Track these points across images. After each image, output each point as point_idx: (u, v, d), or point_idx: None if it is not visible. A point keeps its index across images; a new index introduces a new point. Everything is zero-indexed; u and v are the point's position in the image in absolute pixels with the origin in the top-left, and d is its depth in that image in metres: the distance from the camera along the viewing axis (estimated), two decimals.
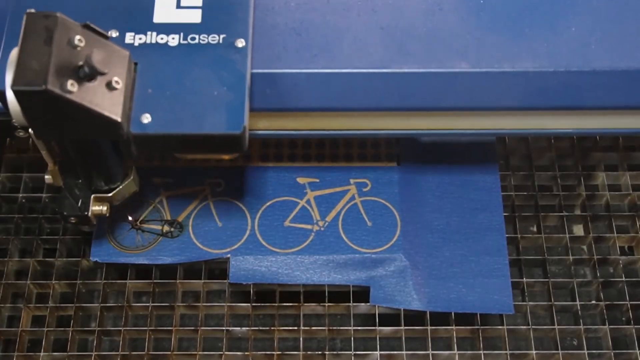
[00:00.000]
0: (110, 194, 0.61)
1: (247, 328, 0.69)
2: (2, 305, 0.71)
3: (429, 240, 0.71)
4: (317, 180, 0.74)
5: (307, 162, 0.75)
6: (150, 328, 0.70)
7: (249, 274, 0.69)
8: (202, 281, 0.72)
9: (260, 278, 0.69)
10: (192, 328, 0.70)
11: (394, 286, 0.69)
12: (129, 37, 0.54)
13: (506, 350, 0.69)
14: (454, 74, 0.55)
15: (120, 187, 0.61)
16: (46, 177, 0.60)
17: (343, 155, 0.75)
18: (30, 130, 0.51)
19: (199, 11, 0.55)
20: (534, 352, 0.68)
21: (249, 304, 0.70)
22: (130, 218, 0.70)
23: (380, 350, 0.68)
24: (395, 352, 0.68)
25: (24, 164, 0.79)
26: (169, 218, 0.72)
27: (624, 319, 0.71)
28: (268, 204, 0.72)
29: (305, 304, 0.70)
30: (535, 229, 0.76)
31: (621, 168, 0.79)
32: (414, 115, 0.60)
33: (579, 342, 0.70)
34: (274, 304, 0.70)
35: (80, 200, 0.60)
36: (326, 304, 0.70)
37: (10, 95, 0.48)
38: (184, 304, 0.71)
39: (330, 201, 0.73)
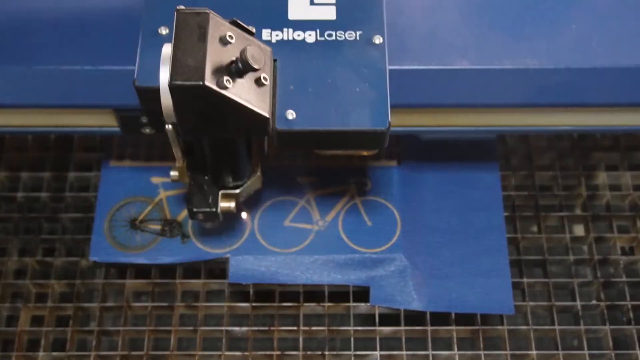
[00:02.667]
0: (237, 191, 0.61)
1: (247, 328, 0.69)
2: (1, 304, 0.71)
3: (429, 240, 0.71)
4: (317, 180, 0.73)
5: (307, 162, 0.75)
6: (149, 328, 0.69)
7: (248, 273, 0.69)
8: (202, 281, 0.71)
9: (260, 278, 0.69)
10: (192, 328, 0.69)
11: (394, 286, 0.69)
12: (265, 34, 0.54)
13: (506, 350, 0.68)
14: (454, 71, 0.55)
15: (248, 183, 0.61)
16: (172, 173, 0.60)
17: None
18: (167, 127, 0.52)
19: (333, 8, 0.55)
20: (535, 352, 0.68)
21: (248, 304, 0.70)
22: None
23: (380, 351, 0.68)
24: (395, 352, 0.68)
25: (23, 163, 0.78)
26: (168, 217, 0.72)
27: (624, 319, 0.71)
28: (268, 203, 0.72)
29: (305, 304, 0.70)
30: (535, 229, 0.76)
31: (622, 168, 0.78)
32: (414, 112, 0.60)
33: (580, 342, 0.70)
34: (273, 304, 0.70)
35: (210, 197, 0.60)
36: (326, 304, 0.70)
37: (164, 91, 0.47)
38: (184, 304, 0.71)
39: (330, 201, 0.72)
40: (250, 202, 0.72)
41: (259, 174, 0.62)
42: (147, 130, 0.59)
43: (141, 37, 0.54)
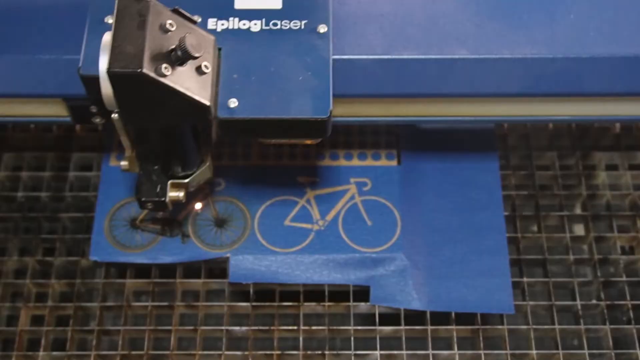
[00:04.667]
0: (186, 180, 0.61)
1: (247, 328, 0.69)
2: (1, 304, 0.71)
3: (429, 239, 0.71)
4: (317, 180, 0.73)
5: (307, 162, 0.75)
6: (149, 327, 0.69)
7: (248, 273, 0.69)
8: (202, 280, 0.71)
9: (260, 277, 0.69)
10: (192, 327, 0.69)
11: (394, 286, 0.69)
12: (211, 23, 0.55)
13: (507, 350, 0.68)
14: (453, 60, 0.55)
15: (197, 172, 0.61)
16: (122, 163, 0.60)
17: (343, 155, 0.75)
18: (113, 115, 0.52)
19: None
20: (535, 351, 0.68)
21: (248, 304, 0.70)
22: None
23: (380, 350, 0.68)
24: (395, 352, 0.68)
25: (23, 162, 0.78)
26: (168, 217, 0.72)
27: (624, 318, 0.71)
28: (268, 203, 0.72)
29: (305, 304, 0.70)
30: (535, 228, 0.76)
31: (622, 167, 0.78)
32: (413, 101, 0.60)
33: (580, 341, 0.70)
34: (273, 304, 0.70)
35: (158, 186, 0.60)
36: (326, 304, 0.70)
37: (103, 79, 0.48)
38: (184, 304, 0.71)
39: (330, 200, 0.72)
40: (250, 203, 0.72)
41: (208, 163, 0.62)
42: (98, 120, 0.59)
43: (87, 25, 0.54)
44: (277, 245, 0.70)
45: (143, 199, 0.60)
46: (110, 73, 0.46)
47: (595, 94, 0.59)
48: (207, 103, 0.48)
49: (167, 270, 0.72)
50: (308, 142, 0.56)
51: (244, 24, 0.55)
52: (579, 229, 0.77)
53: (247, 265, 0.69)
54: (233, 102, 0.51)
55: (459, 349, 0.68)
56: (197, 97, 0.48)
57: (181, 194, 0.61)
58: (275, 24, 0.55)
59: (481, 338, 0.68)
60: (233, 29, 0.54)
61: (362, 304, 0.70)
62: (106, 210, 0.72)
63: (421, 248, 0.71)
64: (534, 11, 0.58)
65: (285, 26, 0.55)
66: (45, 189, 0.77)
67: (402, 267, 0.69)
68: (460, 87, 0.57)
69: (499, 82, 0.57)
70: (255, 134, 0.53)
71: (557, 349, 0.69)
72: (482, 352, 0.68)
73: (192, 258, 0.70)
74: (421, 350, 0.68)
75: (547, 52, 0.56)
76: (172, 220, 0.71)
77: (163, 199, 0.60)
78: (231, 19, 0.55)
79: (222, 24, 0.55)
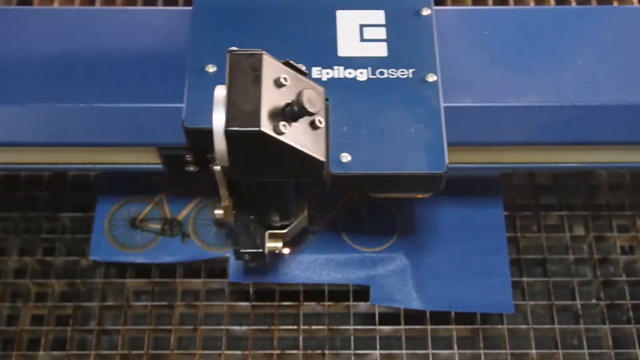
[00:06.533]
0: (284, 230, 0.60)
1: (247, 327, 0.69)
2: (1, 303, 0.71)
3: (429, 239, 0.71)
4: None
5: None
6: (149, 327, 0.69)
7: (248, 273, 0.69)
8: (202, 280, 0.71)
9: (260, 277, 0.69)
10: (192, 327, 0.70)
11: (393, 285, 0.69)
12: (315, 72, 0.52)
13: (506, 349, 0.68)
14: (458, 108, 0.54)
15: (295, 222, 0.60)
16: (216, 211, 0.59)
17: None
18: (216, 168, 0.50)
19: (384, 44, 0.53)
20: (534, 351, 0.68)
21: (248, 303, 0.70)
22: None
23: (380, 350, 0.68)
24: (395, 352, 0.68)
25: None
26: (168, 217, 0.72)
27: (624, 318, 0.71)
28: None
29: (305, 303, 0.70)
30: (535, 228, 0.76)
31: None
32: None
33: (579, 341, 0.70)
34: (273, 303, 0.70)
35: (257, 238, 0.59)
36: (326, 303, 0.70)
37: (218, 136, 0.46)
38: (184, 303, 0.71)
39: (330, 201, 0.72)
40: None
41: (305, 212, 0.61)
42: (192, 168, 0.58)
43: (188, 75, 0.52)
44: None
45: (241, 250, 0.59)
46: (227, 132, 0.44)
47: (604, 143, 0.57)
48: (323, 159, 0.47)
49: (167, 270, 0.72)
50: (419, 196, 0.54)
51: (350, 73, 0.52)
52: (579, 229, 0.77)
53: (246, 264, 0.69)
54: (345, 157, 0.49)
55: (458, 348, 0.68)
56: (313, 154, 0.46)
57: (279, 244, 0.60)
58: (381, 73, 0.52)
59: (481, 337, 0.68)
60: (339, 78, 0.52)
61: (362, 303, 0.70)
62: (106, 210, 0.72)
63: (421, 248, 0.71)
64: (541, 58, 0.56)
65: (393, 75, 0.52)
66: (45, 188, 0.77)
67: (401, 267, 0.69)
68: (465, 135, 0.55)
69: (505, 131, 0.55)
70: (367, 188, 0.51)
71: (557, 348, 0.69)
72: (481, 351, 0.68)
73: (192, 258, 0.70)
74: (421, 350, 0.68)
75: (555, 100, 0.54)
76: (172, 220, 0.71)
77: (261, 250, 0.59)
78: (336, 67, 0.52)
79: (327, 73, 0.52)
